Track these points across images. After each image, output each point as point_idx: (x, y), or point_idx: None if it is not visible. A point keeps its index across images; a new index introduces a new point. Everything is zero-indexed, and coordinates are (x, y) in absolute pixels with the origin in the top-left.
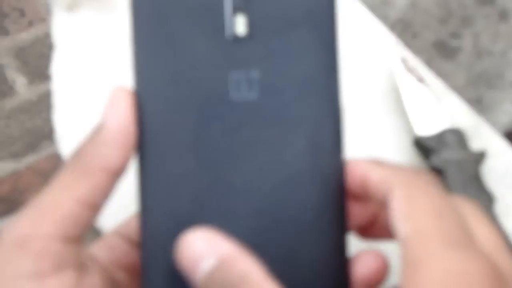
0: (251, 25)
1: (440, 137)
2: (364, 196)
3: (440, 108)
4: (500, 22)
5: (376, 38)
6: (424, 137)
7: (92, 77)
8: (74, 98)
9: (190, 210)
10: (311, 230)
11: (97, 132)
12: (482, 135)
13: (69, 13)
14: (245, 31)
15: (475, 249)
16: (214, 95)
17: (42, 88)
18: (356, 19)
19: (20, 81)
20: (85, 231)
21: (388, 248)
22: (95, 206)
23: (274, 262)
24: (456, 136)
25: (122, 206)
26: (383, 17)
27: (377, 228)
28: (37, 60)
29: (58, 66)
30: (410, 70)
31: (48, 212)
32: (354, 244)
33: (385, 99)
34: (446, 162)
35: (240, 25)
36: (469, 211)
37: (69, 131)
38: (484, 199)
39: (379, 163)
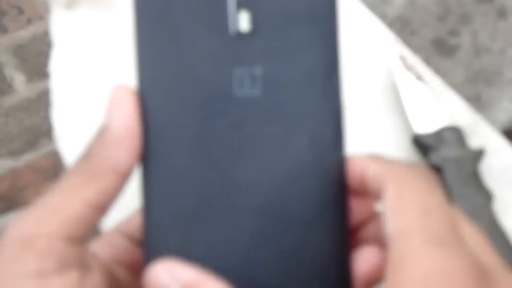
0: (255, 21)
1: (439, 135)
2: (362, 191)
3: (438, 106)
4: (499, 20)
5: (374, 36)
6: (422, 134)
7: (91, 74)
8: (73, 96)
9: (193, 207)
10: (313, 226)
11: (103, 133)
12: (481, 133)
13: (67, 11)
14: (248, 28)
15: (458, 247)
16: (217, 92)
17: (41, 86)
18: (355, 16)
19: (18, 79)
20: (91, 232)
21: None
22: (103, 208)
23: (277, 258)
24: (455, 134)
25: (122, 204)
26: (382, 15)
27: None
28: (35, 57)
29: (57, 64)
30: (409, 67)
31: (55, 213)
32: None
33: (383, 97)
34: (444, 159)
35: (243, 21)
36: (456, 211)
37: (68, 129)
38: (483, 196)
39: (376, 157)
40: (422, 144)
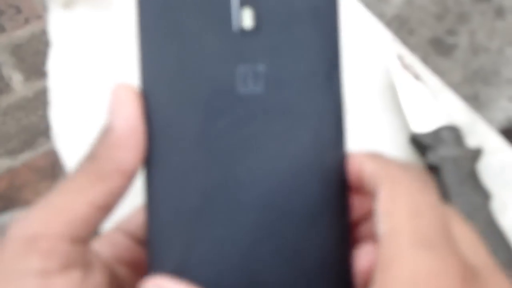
0: (258, 18)
1: (436, 134)
2: (360, 188)
3: (436, 105)
4: (496, 19)
5: (372, 35)
6: (420, 134)
7: (89, 74)
8: (71, 95)
9: (197, 204)
10: (316, 222)
11: (107, 134)
12: (478, 132)
13: (65, 10)
14: (251, 25)
15: (447, 249)
16: (221, 89)
17: (39, 85)
18: (353, 15)
19: (16, 78)
20: (95, 232)
21: None
22: (108, 208)
23: (280, 254)
24: (452, 133)
25: (123, 202)
26: (380, 14)
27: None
28: (33, 57)
29: (55, 63)
30: (407, 67)
31: (60, 213)
32: None
33: (381, 96)
34: (442, 159)
35: (247, 18)
36: (449, 212)
37: (66, 128)
38: (480, 196)
39: (373, 156)
40: (420, 143)
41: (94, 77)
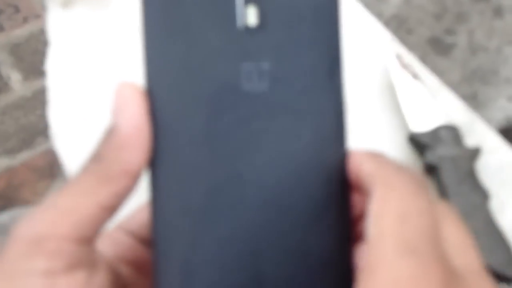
0: (262, 16)
1: (435, 133)
2: (359, 187)
3: (435, 105)
4: (495, 18)
5: (371, 35)
6: (419, 133)
7: (87, 73)
8: (69, 94)
9: (202, 202)
10: (319, 220)
11: (112, 134)
12: (477, 131)
13: (64, 9)
14: (256, 22)
15: (431, 254)
16: (226, 86)
17: (37, 84)
18: (351, 15)
19: (15, 77)
20: (101, 232)
21: None
22: (114, 209)
23: (284, 252)
24: (451, 132)
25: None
26: (378, 14)
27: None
28: (32, 56)
29: (53, 62)
30: (405, 66)
31: (67, 215)
32: None
33: (380, 96)
34: (440, 158)
35: (251, 16)
36: (443, 214)
37: (64, 127)
38: (479, 195)
39: (372, 156)
40: (418, 143)
41: (92, 76)
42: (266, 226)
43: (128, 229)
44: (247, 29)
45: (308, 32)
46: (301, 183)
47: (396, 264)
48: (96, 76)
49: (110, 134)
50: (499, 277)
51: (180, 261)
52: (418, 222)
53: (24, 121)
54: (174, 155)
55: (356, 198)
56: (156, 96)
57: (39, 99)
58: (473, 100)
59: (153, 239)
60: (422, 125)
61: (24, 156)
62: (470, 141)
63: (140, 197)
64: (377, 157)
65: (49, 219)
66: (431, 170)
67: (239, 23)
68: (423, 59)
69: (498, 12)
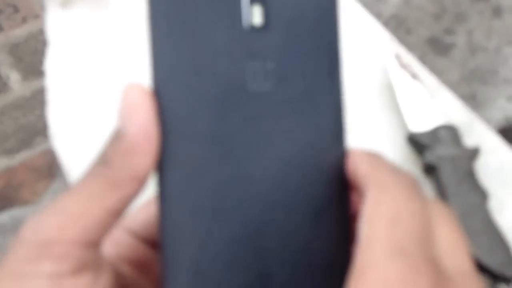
0: (266, 16)
1: (434, 134)
2: (355, 186)
3: (434, 105)
4: (494, 18)
5: (370, 35)
6: (418, 133)
7: (86, 73)
8: (68, 94)
9: (210, 202)
10: (322, 218)
11: (120, 138)
12: (476, 132)
13: (63, 9)
14: (261, 22)
15: (420, 256)
16: (231, 86)
17: (36, 84)
18: (350, 15)
19: (13, 77)
20: (107, 235)
21: None
22: (121, 213)
23: (289, 251)
24: (450, 133)
25: None
26: (377, 14)
27: None
28: (31, 56)
29: (52, 62)
30: (404, 66)
31: (75, 219)
32: None
33: (379, 96)
34: (440, 158)
35: (256, 15)
36: (437, 214)
37: (63, 127)
38: (478, 195)
39: (369, 156)
40: (417, 143)
41: (91, 76)
42: (273, 225)
43: (129, 229)
44: (253, 29)
45: (310, 31)
46: (305, 182)
47: (386, 266)
48: (95, 76)
49: (118, 138)
50: (498, 277)
51: (189, 260)
52: (409, 224)
53: (23, 121)
54: (182, 155)
55: (353, 197)
56: (162, 96)
57: (38, 99)
58: (472, 100)
59: (161, 239)
60: (421, 125)
61: (23, 156)
62: (469, 141)
63: (141, 196)
64: (373, 158)
65: (57, 224)
66: (430, 170)
67: (244, 22)
68: (422, 59)
69: (497, 12)
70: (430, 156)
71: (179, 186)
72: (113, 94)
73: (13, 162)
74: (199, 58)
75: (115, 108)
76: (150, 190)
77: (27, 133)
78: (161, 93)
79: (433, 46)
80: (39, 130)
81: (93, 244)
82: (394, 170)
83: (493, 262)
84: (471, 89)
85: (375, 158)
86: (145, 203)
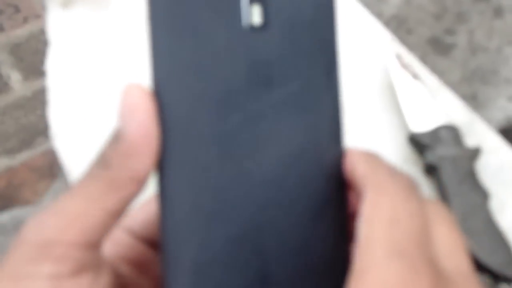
0: (265, 16)
1: (435, 134)
2: (352, 186)
3: (435, 105)
4: (495, 18)
5: (371, 35)
6: (419, 133)
7: (87, 73)
8: (69, 94)
9: (212, 203)
10: (321, 218)
11: (120, 140)
12: (477, 132)
13: (64, 9)
14: (260, 22)
15: (420, 257)
16: (231, 85)
17: (37, 85)
18: (351, 15)
19: (15, 77)
20: (107, 236)
21: None
22: (121, 214)
23: (289, 251)
24: (451, 133)
25: None
26: (378, 14)
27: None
28: (32, 56)
29: (53, 63)
30: (405, 66)
31: (75, 221)
32: None
33: (380, 96)
34: (440, 158)
35: (256, 15)
36: (435, 215)
37: (64, 127)
38: (479, 195)
39: (367, 156)
40: (418, 143)
41: (92, 76)
42: (272, 224)
43: (129, 228)
44: (252, 28)
45: (308, 31)
46: (303, 181)
47: (385, 267)
48: (96, 76)
49: (117, 139)
50: (499, 277)
51: (189, 260)
52: (407, 225)
53: (24, 121)
54: (182, 155)
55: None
56: (162, 96)
57: (39, 99)
58: (473, 100)
59: (162, 238)
60: (422, 125)
61: (24, 156)
62: (470, 141)
63: (140, 196)
64: (371, 158)
65: (57, 225)
66: (431, 170)
67: (244, 22)
68: (423, 59)
69: (498, 12)
70: (431, 156)
71: (179, 186)
72: (114, 94)
73: (14, 162)
74: (199, 58)
75: (116, 108)
76: (150, 190)
77: (28, 133)
78: (161, 93)
79: (434, 46)
80: (40, 130)
81: (93, 245)
82: (391, 170)
83: (494, 262)
84: (472, 89)
85: (372, 158)
86: (144, 202)
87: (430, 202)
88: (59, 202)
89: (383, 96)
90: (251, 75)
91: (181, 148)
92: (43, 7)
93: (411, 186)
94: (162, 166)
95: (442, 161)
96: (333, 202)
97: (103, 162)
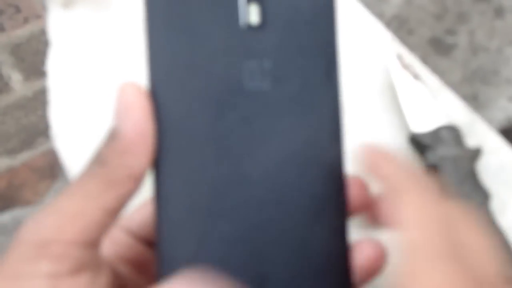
0: (263, 15)
1: (436, 134)
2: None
3: (435, 105)
4: (496, 18)
5: (371, 35)
6: (419, 133)
7: (88, 73)
8: (70, 94)
9: (207, 201)
10: (320, 218)
11: (116, 138)
12: (478, 132)
13: (64, 9)
14: (258, 21)
15: (460, 261)
16: (228, 84)
17: (38, 85)
18: (352, 15)
19: (15, 78)
20: (105, 235)
21: (384, 236)
22: (118, 212)
23: (286, 249)
24: (452, 133)
25: None
26: (379, 14)
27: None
28: (32, 56)
29: (54, 63)
30: (406, 66)
31: (73, 219)
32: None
33: (380, 96)
34: (441, 158)
35: (253, 14)
36: (460, 216)
37: (65, 127)
38: (480, 195)
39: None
40: (419, 143)
41: (93, 77)
42: (270, 224)
43: (127, 228)
44: (250, 28)
45: (307, 30)
46: (302, 181)
47: (433, 271)
48: (97, 77)
49: (114, 138)
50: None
51: (184, 259)
52: (444, 228)
53: (24, 122)
54: (178, 154)
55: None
56: (159, 95)
57: (39, 100)
58: (474, 101)
59: (157, 238)
60: (422, 126)
61: (24, 156)
62: (471, 141)
63: (139, 195)
64: (391, 157)
65: (55, 224)
66: (432, 170)
67: (241, 21)
68: (424, 59)
69: (499, 12)
70: (432, 157)
71: (175, 185)
72: (115, 94)
73: (15, 162)
74: (196, 57)
75: (114, 107)
76: (148, 190)
77: (29, 133)
78: (157, 91)
79: (435, 47)
80: (41, 130)
81: (92, 244)
82: (415, 174)
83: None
84: (473, 90)
85: (392, 157)
86: (143, 203)
87: (454, 203)
88: (57, 201)
89: (384, 96)
90: (248, 75)
91: (177, 146)
92: (43, 8)
93: (432, 185)
94: (158, 164)
95: (443, 161)
96: (333, 202)
97: (99, 160)
